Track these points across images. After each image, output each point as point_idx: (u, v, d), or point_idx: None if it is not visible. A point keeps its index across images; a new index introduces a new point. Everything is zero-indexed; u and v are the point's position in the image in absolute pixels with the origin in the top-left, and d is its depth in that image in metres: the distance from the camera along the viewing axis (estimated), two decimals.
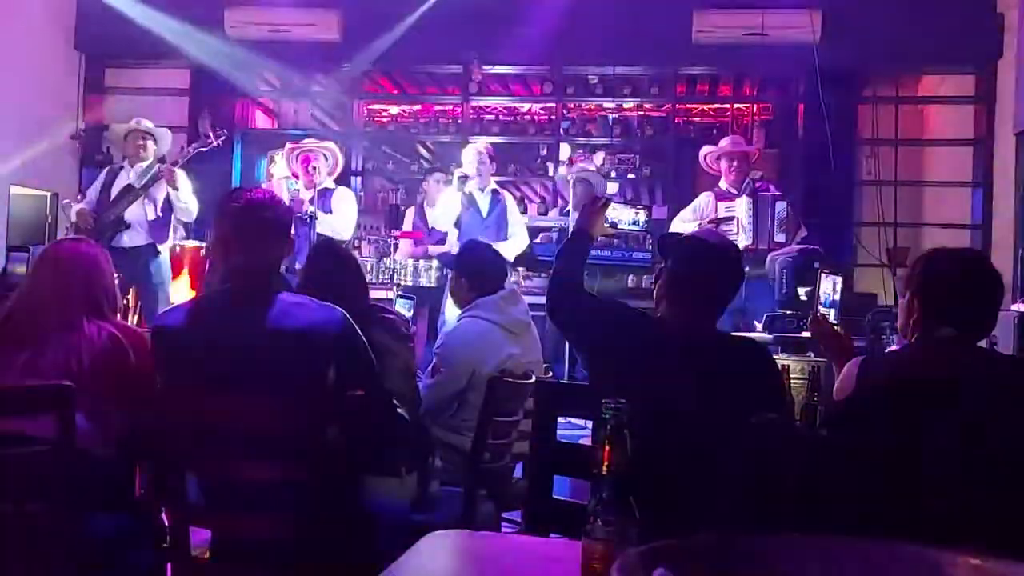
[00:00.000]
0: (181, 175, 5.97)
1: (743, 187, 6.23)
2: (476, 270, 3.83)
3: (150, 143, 6.26)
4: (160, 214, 6.08)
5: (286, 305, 2.40)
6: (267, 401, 2.26)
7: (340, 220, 6.27)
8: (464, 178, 6.31)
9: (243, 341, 2.38)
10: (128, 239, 5.96)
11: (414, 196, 8.02)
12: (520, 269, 6.86)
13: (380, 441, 2.46)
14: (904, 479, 2.03)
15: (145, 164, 6.15)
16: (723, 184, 6.31)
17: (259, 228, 2.48)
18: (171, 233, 6.21)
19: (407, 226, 7.33)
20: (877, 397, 2.23)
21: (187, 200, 6.01)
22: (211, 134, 6.25)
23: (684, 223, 6.21)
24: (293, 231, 2.71)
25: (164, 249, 6.06)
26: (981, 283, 2.35)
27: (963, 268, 2.37)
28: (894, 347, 4.22)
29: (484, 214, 6.36)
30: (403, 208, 8.16)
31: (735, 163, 6.27)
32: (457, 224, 6.38)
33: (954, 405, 2.14)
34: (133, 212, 6.02)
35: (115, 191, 6.08)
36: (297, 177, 6.41)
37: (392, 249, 7.39)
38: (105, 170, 6.40)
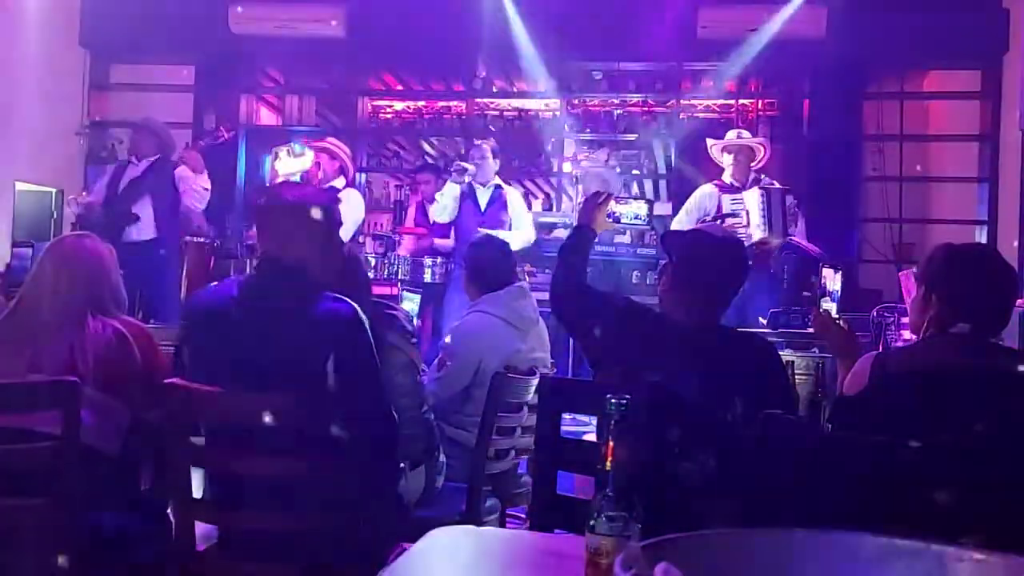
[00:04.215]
0: (198, 160, 6.01)
1: (748, 180, 6.17)
2: (484, 265, 3.84)
3: (151, 141, 6.25)
4: (168, 209, 6.09)
5: (300, 296, 2.41)
6: (271, 392, 2.26)
7: None
8: (462, 171, 6.31)
9: (253, 331, 2.40)
10: (135, 233, 5.97)
11: (418, 193, 8.04)
12: (525, 265, 6.86)
13: (376, 440, 2.46)
14: (919, 474, 2.03)
15: (152, 159, 6.16)
16: (726, 177, 6.26)
17: (284, 221, 2.52)
18: (178, 228, 6.22)
19: (409, 222, 7.36)
20: (894, 391, 2.22)
21: (205, 184, 6.03)
22: (222, 130, 6.29)
23: (688, 215, 6.17)
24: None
25: (171, 244, 6.07)
26: (999, 279, 2.34)
27: (982, 264, 2.37)
28: (899, 344, 4.21)
29: (482, 208, 6.37)
30: (407, 205, 8.18)
31: (740, 156, 6.23)
32: (455, 217, 6.40)
33: (973, 400, 2.13)
34: (140, 206, 6.03)
35: (123, 185, 6.10)
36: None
37: (396, 245, 7.40)
38: (113, 165, 6.41)
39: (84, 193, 6.35)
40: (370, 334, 2.44)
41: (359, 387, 2.38)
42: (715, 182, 6.30)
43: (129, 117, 6.64)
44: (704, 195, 6.26)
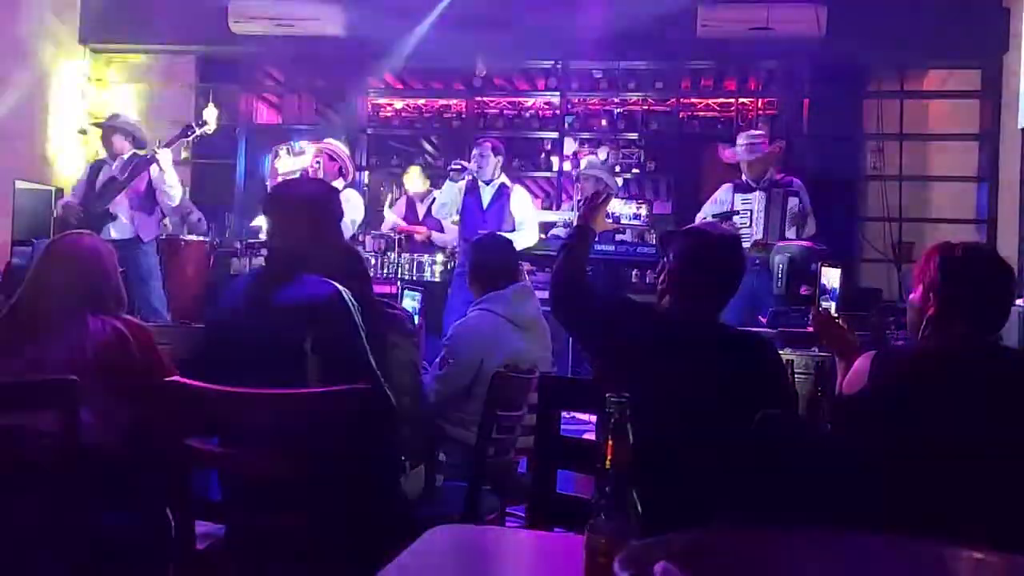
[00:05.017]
0: (167, 156, 5.96)
1: (763, 180, 6.17)
2: (488, 263, 3.83)
3: (122, 138, 6.23)
4: (144, 206, 6.08)
5: (291, 284, 2.42)
6: (264, 386, 2.25)
7: None
8: (460, 169, 6.30)
9: (252, 326, 2.40)
10: (114, 232, 5.95)
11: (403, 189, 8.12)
12: (525, 264, 6.85)
13: (376, 432, 2.46)
14: (918, 473, 2.03)
15: (127, 156, 6.14)
16: (743, 176, 6.27)
17: (286, 212, 2.52)
18: (157, 226, 6.21)
19: (392, 217, 7.51)
20: (893, 391, 2.22)
21: (172, 183, 6.01)
22: (192, 124, 6.28)
23: (703, 215, 6.18)
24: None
25: (150, 241, 6.06)
26: (998, 278, 2.34)
27: (981, 263, 2.36)
28: (899, 343, 4.21)
29: (484, 205, 6.35)
30: (396, 198, 8.21)
31: (754, 156, 6.22)
32: (459, 214, 6.42)
33: (972, 400, 2.13)
34: (118, 204, 6.02)
35: (99, 184, 6.10)
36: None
37: (395, 245, 7.41)
38: (90, 164, 6.44)
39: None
40: (356, 316, 2.43)
41: (346, 367, 2.37)
42: (733, 181, 6.32)
43: (129, 116, 6.62)
44: (720, 193, 6.29)
